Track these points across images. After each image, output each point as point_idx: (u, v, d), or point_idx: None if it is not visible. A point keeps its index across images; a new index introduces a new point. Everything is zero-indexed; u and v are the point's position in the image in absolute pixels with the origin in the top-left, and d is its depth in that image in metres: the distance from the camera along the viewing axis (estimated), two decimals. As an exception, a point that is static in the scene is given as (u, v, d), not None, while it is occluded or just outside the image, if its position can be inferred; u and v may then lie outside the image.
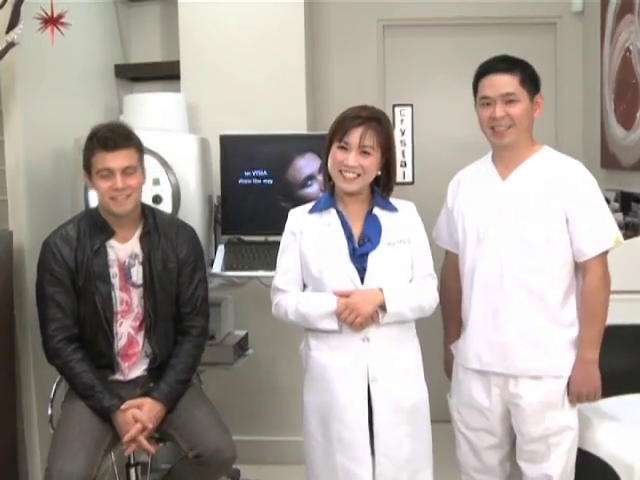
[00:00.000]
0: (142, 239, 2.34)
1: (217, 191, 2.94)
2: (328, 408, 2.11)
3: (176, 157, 2.73)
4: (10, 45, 2.38)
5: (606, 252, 2.12)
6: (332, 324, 2.08)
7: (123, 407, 2.23)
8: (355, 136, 2.07)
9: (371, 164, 2.09)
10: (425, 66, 3.82)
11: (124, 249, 2.33)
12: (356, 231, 2.13)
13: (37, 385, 2.62)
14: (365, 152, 2.08)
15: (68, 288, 2.27)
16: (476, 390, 2.20)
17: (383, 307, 2.06)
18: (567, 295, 2.14)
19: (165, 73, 3.45)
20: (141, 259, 2.33)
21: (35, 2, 2.37)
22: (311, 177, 2.84)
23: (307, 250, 2.15)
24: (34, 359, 2.58)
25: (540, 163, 2.16)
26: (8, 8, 2.37)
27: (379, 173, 2.15)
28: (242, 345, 3.00)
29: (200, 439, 2.23)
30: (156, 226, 2.36)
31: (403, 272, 2.14)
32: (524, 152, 2.17)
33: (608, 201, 2.34)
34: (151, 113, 3.02)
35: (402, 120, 3.82)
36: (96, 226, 2.31)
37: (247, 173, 2.87)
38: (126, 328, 2.33)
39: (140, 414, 2.23)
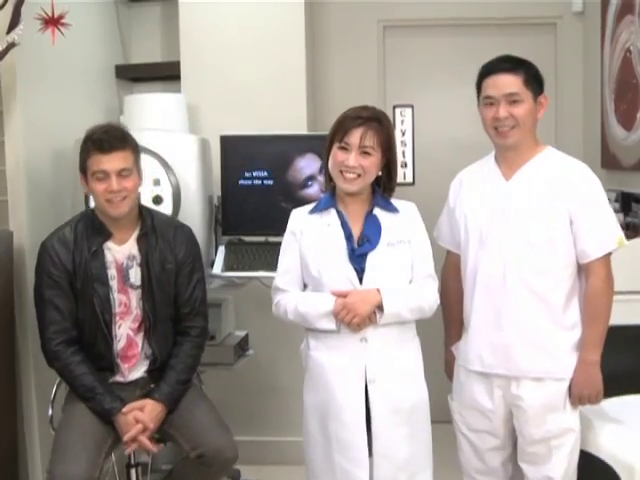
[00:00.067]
0: (140, 240, 2.34)
1: (217, 191, 2.94)
2: (327, 408, 2.11)
3: (176, 158, 2.73)
4: (11, 45, 2.38)
5: (609, 254, 2.12)
6: (330, 324, 2.08)
7: (125, 410, 2.23)
8: (355, 136, 2.07)
9: (371, 164, 2.09)
10: (425, 66, 3.82)
11: (121, 251, 2.32)
12: (356, 231, 2.13)
13: (37, 386, 2.62)
14: (365, 152, 2.07)
15: (66, 291, 2.27)
16: (478, 392, 2.19)
17: (381, 307, 2.06)
18: (570, 297, 2.13)
19: (165, 73, 3.45)
20: (139, 260, 2.33)
21: (35, 2, 2.37)
22: (311, 178, 2.84)
23: (307, 250, 2.15)
24: (34, 360, 2.58)
25: (544, 164, 2.15)
26: (9, 9, 2.37)
27: (380, 174, 2.15)
28: (242, 345, 3.00)
29: (202, 439, 2.23)
30: (153, 227, 2.36)
31: (403, 273, 2.13)
32: (528, 152, 2.16)
33: (608, 201, 2.33)
34: (151, 113, 3.02)
35: (402, 121, 3.82)
36: (93, 228, 2.31)
37: (247, 174, 2.87)
38: (125, 330, 2.33)
39: (141, 415, 2.23)
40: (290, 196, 2.84)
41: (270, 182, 2.86)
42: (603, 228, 2.11)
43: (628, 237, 2.45)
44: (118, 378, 2.33)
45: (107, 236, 2.31)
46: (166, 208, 2.67)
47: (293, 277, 2.18)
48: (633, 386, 2.45)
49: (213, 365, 2.81)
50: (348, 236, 2.12)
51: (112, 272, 2.31)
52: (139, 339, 2.34)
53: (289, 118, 3.25)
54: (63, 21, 2.38)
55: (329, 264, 2.11)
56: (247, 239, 2.92)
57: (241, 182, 2.87)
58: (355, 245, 2.11)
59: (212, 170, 2.93)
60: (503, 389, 2.15)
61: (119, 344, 2.32)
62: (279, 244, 2.24)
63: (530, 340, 2.11)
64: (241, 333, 3.07)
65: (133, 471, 2.43)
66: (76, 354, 2.27)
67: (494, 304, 2.14)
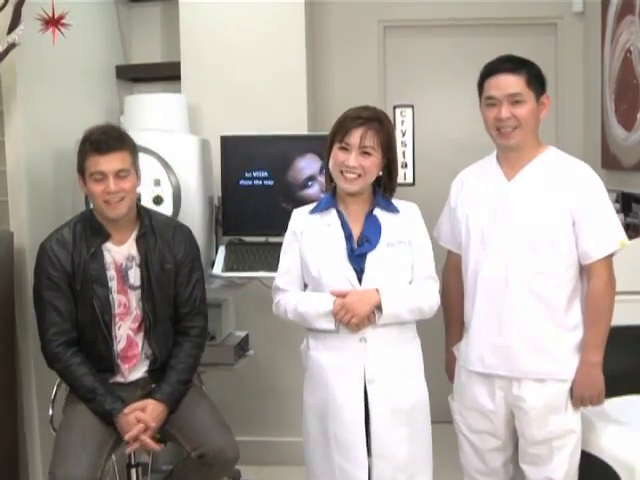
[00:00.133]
0: (138, 241, 2.33)
1: (218, 192, 2.94)
2: (326, 408, 2.11)
3: (177, 158, 2.73)
4: (11, 46, 2.38)
5: (612, 255, 2.11)
6: (329, 324, 2.08)
7: (126, 411, 2.23)
8: (356, 136, 2.07)
9: (372, 164, 2.09)
10: (426, 67, 3.82)
11: (120, 252, 2.32)
12: (356, 232, 2.13)
13: (38, 386, 2.62)
14: (366, 152, 2.07)
15: (66, 292, 2.27)
16: (480, 393, 2.19)
17: (380, 308, 2.05)
18: (572, 298, 2.12)
19: (166, 74, 3.45)
20: (138, 261, 2.33)
21: (36, 3, 2.37)
22: (312, 178, 2.84)
23: (307, 250, 2.15)
24: (35, 360, 2.58)
25: (546, 164, 2.14)
26: (9, 9, 2.37)
27: (381, 174, 2.15)
28: (243, 346, 3.00)
29: (203, 439, 2.23)
30: (152, 228, 2.36)
31: (403, 273, 2.13)
32: (530, 153, 2.15)
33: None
34: (152, 114, 3.02)
35: (403, 121, 3.82)
36: (92, 229, 2.31)
37: (248, 174, 2.87)
38: (125, 330, 2.33)
39: (143, 415, 2.23)
40: (290, 196, 2.84)
41: (270, 182, 2.86)
42: (606, 229, 2.11)
43: (629, 238, 2.44)
44: (119, 379, 2.33)
45: (106, 237, 2.31)
46: (166, 208, 2.67)
47: (293, 277, 2.18)
48: (634, 386, 2.45)
49: (213, 365, 2.81)
50: (348, 236, 2.12)
51: (111, 273, 2.31)
52: (139, 339, 2.34)
53: (289, 118, 3.25)
54: (63, 21, 2.38)
55: (328, 264, 2.11)
56: (247, 239, 2.92)
57: (241, 182, 2.87)
58: (355, 245, 2.11)
59: (212, 170, 2.93)
60: (504, 390, 2.15)
61: (119, 345, 2.32)
62: (279, 244, 2.24)
63: (531, 341, 2.10)
64: (241, 333, 3.07)
65: (133, 471, 2.43)
66: (76, 355, 2.27)
67: (495, 305, 2.13)
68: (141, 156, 2.61)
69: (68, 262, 2.27)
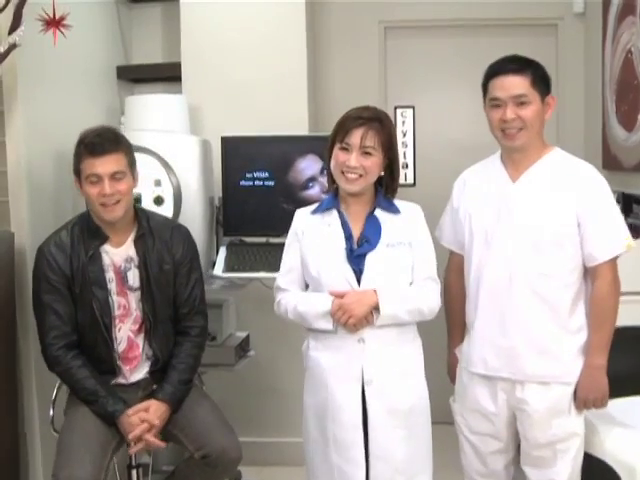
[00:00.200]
0: (137, 242, 2.33)
1: (218, 192, 2.94)
2: (324, 408, 2.11)
3: (177, 158, 2.73)
4: (12, 47, 2.38)
5: (616, 257, 2.09)
6: (327, 324, 2.08)
7: (130, 413, 2.23)
8: (356, 137, 2.07)
9: (373, 164, 2.09)
10: (426, 67, 3.82)
11: (119, 253, 2.32)
12: (356, 232, 2.13)
13: (38, 387, 2.62)
14: (367, 153, 2.07)
15: (65, 295, 2.27)
16: (482, 395, 2.17)
17: (378, 309, 2.05)
18: (576, 300, 2.11)
19: (166, 74, 3.45)
20: (137, 262, 2.32)
21: (37, 3, 2.37)
22: (312, 179, 2.84)
23: (307, 250, 2.15)
24: (35, 360, 2.58)
25: (551, 165, 2.13)
26: (10, 10, 2.37)
27: (382, 174, 2.15)
28: (243, 346, 3.00)
29: (207, 439, 2.24)
30: (150, 229, 2.36)
31: (403, 274, 2.12)
32: (535, 154, 2.13)
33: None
34: (152, 114, 3.02)
35: (404, 122, 3.82)
36: (89, 231, 2.30)
37: (248, 174, 2.87)
38: (125, 332, 2.33)
39: (146, 414, 2.23)
40: (291, 197, 2.84)
41: (271, 183, 2.86)
42: (611, 231, 2.09)
43: (630, 238, 2.43)
44: (120, 380, 2.34)
45: (104, 239, 2.31)
46: (167, 209, 2.68)
47: (294, 277, 2.19)
48: (637, 387, 2.44)
49: (214, 366, 2.81)
50: (348, 237, 2.12)
51: (110, 275, 2.31)
52: (140, 340, 2.34)
53: (290, 119, 3.25)
54: (64, 22, 2.38)
55: (328, 264, 2.11)
56: (248, 240, 2.92)
57: (242, 183, 2.87)
58: (355, 246, 2.11)
59: (213, 171, 2.93)
60: (507, 392, 2.13)
61: (120, 346, 2.32)
62: (280, 245, 2.24)
63: (535, 343, 2.09)
64: (242, 334, 3.06)
65: (134, 472, 2.43)
66: (77, 358, 2.27)
67: (499, 307, 2.12)
68: (142, 157, 2.62)
69: (67, 265, 2.26)
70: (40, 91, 2.71)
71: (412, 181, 3.82)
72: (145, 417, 2.23)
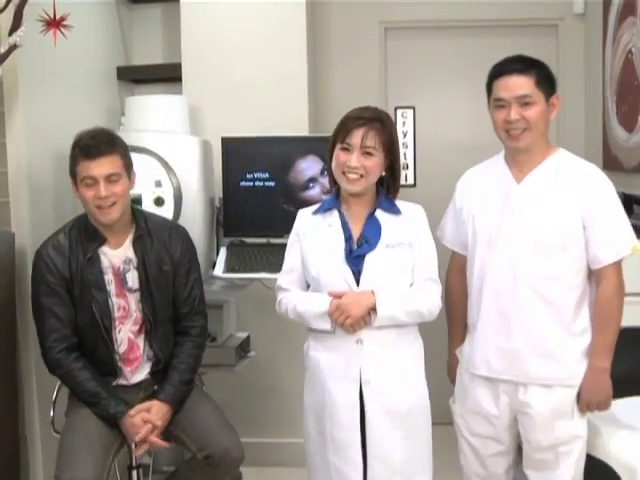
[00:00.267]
0: (135, 243, 2.33)
1: (219, 193, 2.94)
2: (323, 408, 2.11)
3: (178, 159, 2.73)
4: (13, 47, 2.38)
5: (621, 259, 2.08)
6: (325, 324, 2.09)
7: (132, 413, 2.22)
8: (357, 137, 2.07)
9: (374, 165, 2.09)
10: (427, 68, 3.82)
11: (117, 255, 2.32)
12: (356, 233, 2.13)
13: (39, 388, 2.62)
14: (368, 153, 2.07)
15: (64, 298, 2.26)
16: (483, 397, 2.16)
17: (375, 310, 2.05)
18: (580, 303, 2.09)
19: (167, 75, 3.45)
20: (135, 264, 2.32)
21: (37, 3, 2.37)
22: (313, 179, 2.84)
23: (308, 250, 2.16)
24: (36, 361, 2.58)
25: (556, 166, 2.11)
26: (11, 10, 2.37)
27: (384, 174, 2.14)
28: (244, 347, 3.00)
29: (209, 439, 2.24)
30: (148, 229, 2.36)
31: (403, 275, 2.12)
32: (539, 155, 2.11)
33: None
34: (153, 115, 3.02)
35: (404, 122, 3.82)
36: (87, 233, 2.30)
37: (249, 175, 2.87)
38: (126, 333, 2.32)
39: (148, 415, 2.23)
40: (291, 198, 2.84)
41: (271, 184, 2.86)
42: (617, 233, 2.08)
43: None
44: (121, 381, 2.33)
45: (102, 241, 2.30)
46: (167, 210, 2.68)
47: (295, 276, 2.19)
48: (639, 387, 2.44)
49: (214, 367, 2.81)
50: (348, 237, 2.12)
51: (109, 277, 2.30)
52: (140, 341, 2.34)
53: (290, 119, 3.25)
54: (65, 23, 2.38)
55: (327, 265, 2.11)
56: (248, 241, 2.92)
57: (242, 184, 2.87)
58: (354, 246, 2.11)
59: (213, 172, 2.93)
60: (509, 395, 2.12)
61: (120, 348, 2.32)
62: (280, 246, 2.25)
63: (539, 346, 2.07)
64: (242, 335, 3.06)
65: (134, 472, 2.43)
66: (78, 360, 2.27)
67: (503, 308, 2.10)
68: (142, 157, 2.62)
69: (65, 268, 2.26)
70: (40, 92, 2.71)
71: (412, 182, 3.82)
72: (147, 418, 2.22)
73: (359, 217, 2.15)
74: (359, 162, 2.07)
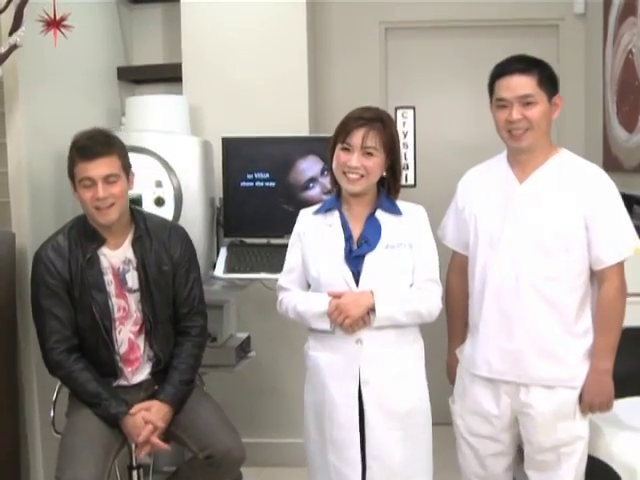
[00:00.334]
0: (134, 244, 2.33)
1: (219, 193, 2.93)
2: (322, 408, 2.12)
3: (178, 159, 2.73)
4: (13, 47, 2.38)
5: (624, 260, 2.07)
6: (324, 324, 2.09)
7: (132, 411, 2.22)
8: (357, 137, 2.07)
9: (375, 165, 2.09)
10: (427, 68, 3.82)
11: (117, 256, 2.32)
12: (356, 233, 2.13)
13: (39, 388, 2.62)
14: (368, 153, 2.07)
15: (64, 299, 2.26)
16: (484, 397, 2.16)
17: (375, 310, 2.05)
18: (582, 304, 2.09)
19: (167, 75, 3.45)
20: (135, 264, 2.32)
21: (37, 4, 2.37)
22: (313, 180, 2.84)
23: (308, 250, 2.16)
24: (36, 362, 2.58)
25: (558, 167, 2.10)
26: (11, 10, 2.37)
27: (385, 174, 2.14)
28: (244, 347, 3.00)
29: (210, 440, 2.24)
30: (147, 230, 2.35)
31: (403, 276, 2.12)
32: (542, 155, 2.10)
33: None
34: (153, 115, 3.02)
35: (404, 122, 3.82)
36: (86, 234, 2.30)
37: (249, 175, 2.87)
38: (126, 334, 2.32)
39: (149, 415, 2.23)
40: (292, 198, 2.83)
41: (272, 184, 2.86)
42: (619, 234, 2.07)
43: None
44: (122, 382, 2.33)
45: (101, 242, 2.30)
46: (168, 210, 2.68)
47: (296, 276, 2.19)
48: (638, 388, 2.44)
49: (215, 367, 2.81)
50: (348, 237, 2.12)
51: (109, 278, 2.30)
52: (140, 342, 2.34)
53: (291, 120, 3.25)
54: (65, 23, 2.38)
55: (327, 265, 2.11)
56: (249, 241, 2.92)
57: (243, 184, 2.87)
58: (354, 246, 2.11)
59: (214, 172, 2.93)
60: (511, 396, 2.11)
61: (121, 348, 2.32)
62: (281, 246, 2.25)
63: (541, 347, 2.07)
64: (243, 335, 3.06)
65: (135, 473, 2.43)
66: (78, 361, 2.27)
67: (505, 309, 2.09)
68: (142, 157, 2.62)
69: (65, 269, 2.25)
70: (41, 92, 2.71)
71: (413, 182, 3.82)
72: (148, 418, 2.22)
73: (359, 217, 2.15)
74: (360, 162, 2.07)
